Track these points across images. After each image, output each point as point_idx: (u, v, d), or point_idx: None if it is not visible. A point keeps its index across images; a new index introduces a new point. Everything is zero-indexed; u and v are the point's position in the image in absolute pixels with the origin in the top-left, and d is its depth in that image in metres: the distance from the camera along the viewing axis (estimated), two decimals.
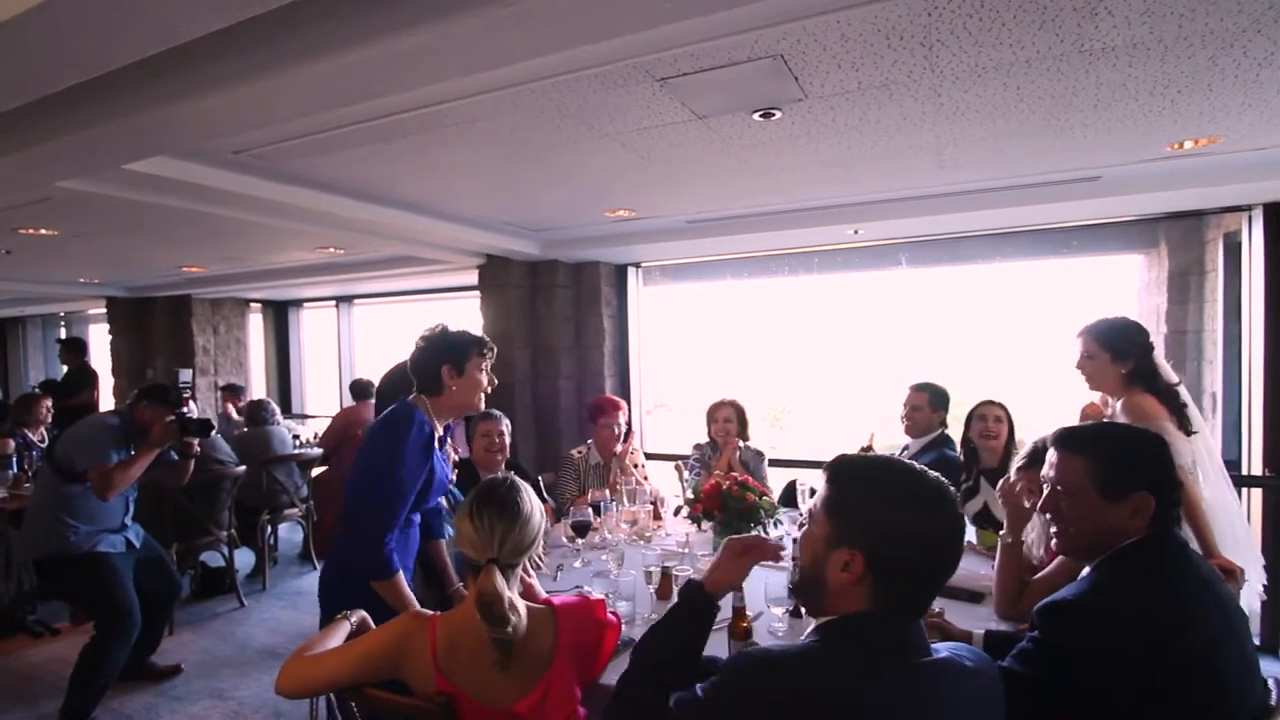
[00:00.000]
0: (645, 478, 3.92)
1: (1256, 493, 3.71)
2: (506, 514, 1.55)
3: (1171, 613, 1.32)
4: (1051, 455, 1.56)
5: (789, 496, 3.57)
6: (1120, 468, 1.44)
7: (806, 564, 1.21)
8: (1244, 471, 3.74)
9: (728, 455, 3.86)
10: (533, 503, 1.61)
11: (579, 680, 1.64)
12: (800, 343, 5.92)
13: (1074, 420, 3.14)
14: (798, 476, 3.73)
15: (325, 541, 5.73)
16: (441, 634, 1.55)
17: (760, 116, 2.31)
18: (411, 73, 1.72)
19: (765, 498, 2.88)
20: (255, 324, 8.53)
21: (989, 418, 3.26)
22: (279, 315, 8.72)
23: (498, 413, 3.46)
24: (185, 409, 3.26)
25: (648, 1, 1.42)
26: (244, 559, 5.21)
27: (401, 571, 2.03)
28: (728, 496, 2.82)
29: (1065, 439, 1.53)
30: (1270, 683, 1.44)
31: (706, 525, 2.97)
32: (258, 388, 8.16)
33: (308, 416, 8.53)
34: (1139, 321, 2.59)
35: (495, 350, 2.20)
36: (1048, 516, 1.58)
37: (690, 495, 3.03)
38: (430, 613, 1.61)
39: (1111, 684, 1.29)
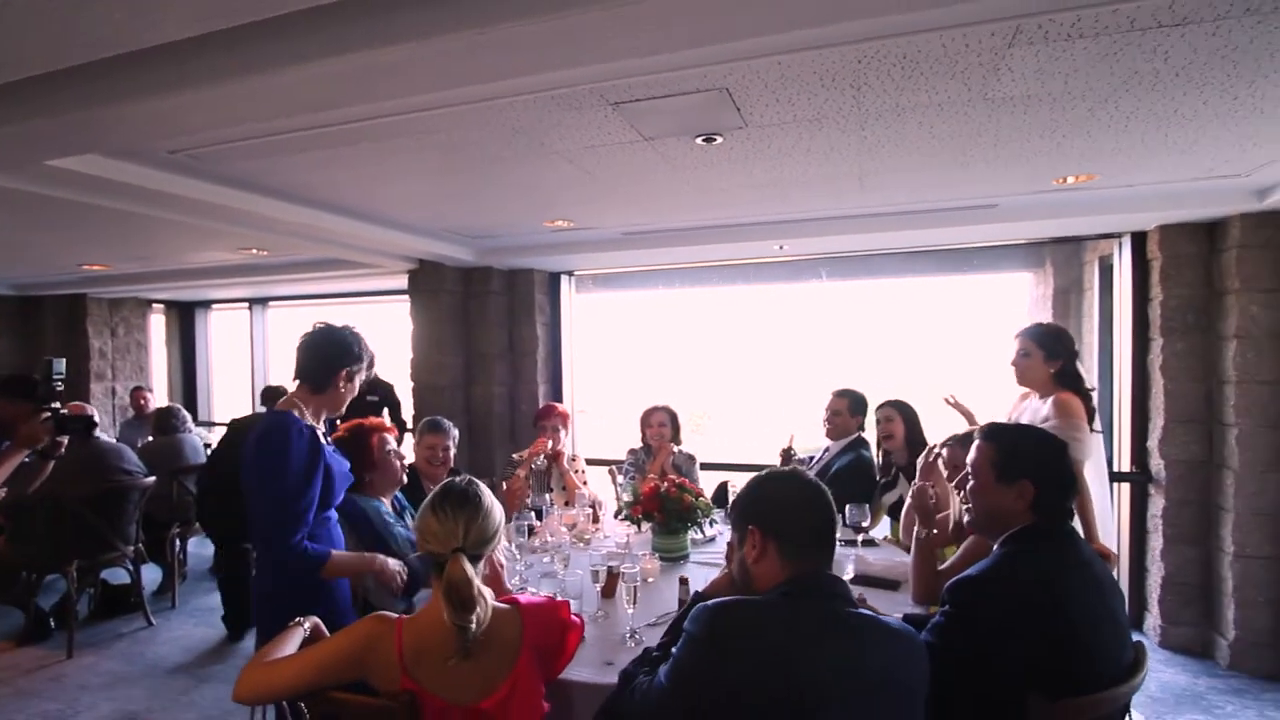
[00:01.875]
0: (585, 482, 4.01)
1: (1125, 487, 4.19)
2: (468, 506, 1.62)
3: (1052, 588, 1.55)
4: (974, 446, 1.82)
5: (720, 497, 3.74)
6: (1014, 457, 1.70)
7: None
8: (1114, 469, 4.21)
9: (661, 459, 3.99)
10: (492, 499, 1.69)
11: (542, 678, 1.71)
12: (725, 350, 6.17)
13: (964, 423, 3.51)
14: (727, 478, 3.92)
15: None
16: (409, 636, 1.59)
17: (703, 141, 2.46)
18: (382, 86, 1.76)
19: (701, 499, 3.03)
20: (158, 326, 8.03)
21: (881, 419, 3.61)
22: (184, 317, 8.24)
23: (446, 424, 3.43)
24: (56, 404, 2.93)
25: (611, 40, 1.53)
26: (150, 575, 4.92)
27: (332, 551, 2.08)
28: (666, 498, 2.95)
29: (985, 431, 1.82)
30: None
31: (646, 526, 3.09)
32: (160, 393, 7.66)
33: (216, 424, 8.09)
34: (1065, 329, 2.99)
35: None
36: (960, 494, 1.86)
37: (629, 498, 3.14)
38: (395, 615, 1.64)
39: (1007, 649, 1.50)
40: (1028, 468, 1.67)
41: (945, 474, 2.59)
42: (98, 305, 6.92)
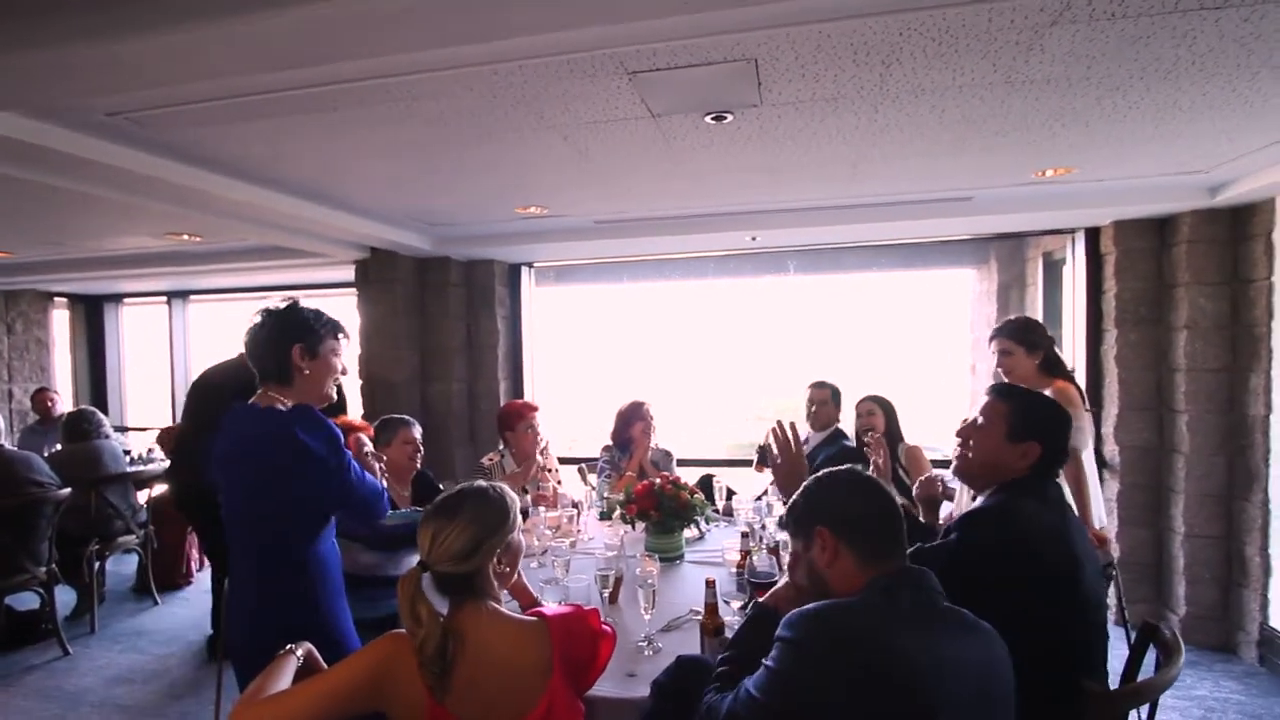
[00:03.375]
0: (559, 483, 3.83)
1: None
2: (441, 516, 1.48)
3: (1058, 529, 1.64)
4: (983, 397, 1.87)
5: (705, 491, 3.64)
6: (1029, 417, 1.76)
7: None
8: None
9: (640, 456, 3.87)
10: (485, 509, 1.52)
11: (576, 693, 1.56)
12: (689, 345, 6.09)
13: (926, 415, 3.58)
14: (711, 473, 3.83)
15: (167, 571, 5.01)
16: None
17: (712, 119, 2.35)
18: (375, 39, 1.56)
19: (696, 495, 2.92)
20: (61, 322, 7.27)
21: (862, 413, 3.63)
22: (91, 312, 7.48)
23: (410, 418, 3.22)
24: None
25: None
26: (63, 597, 4.40)
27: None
28: (662, 496, 2.83)
29: (998, 389, 1.88)
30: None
31: (638, 526, 2.95)
32: (65, 396, 6.94)
33: (130, 428, 7.41)
34: (1036, 319, 3.06)
35: (348, 337, 1.99)
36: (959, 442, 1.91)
37: (619, 496, 3.00)
38: None
39: (1016, 581, 1.54)
40: (1039, 430, 1.73)
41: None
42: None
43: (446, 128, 2.40)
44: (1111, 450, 4.15)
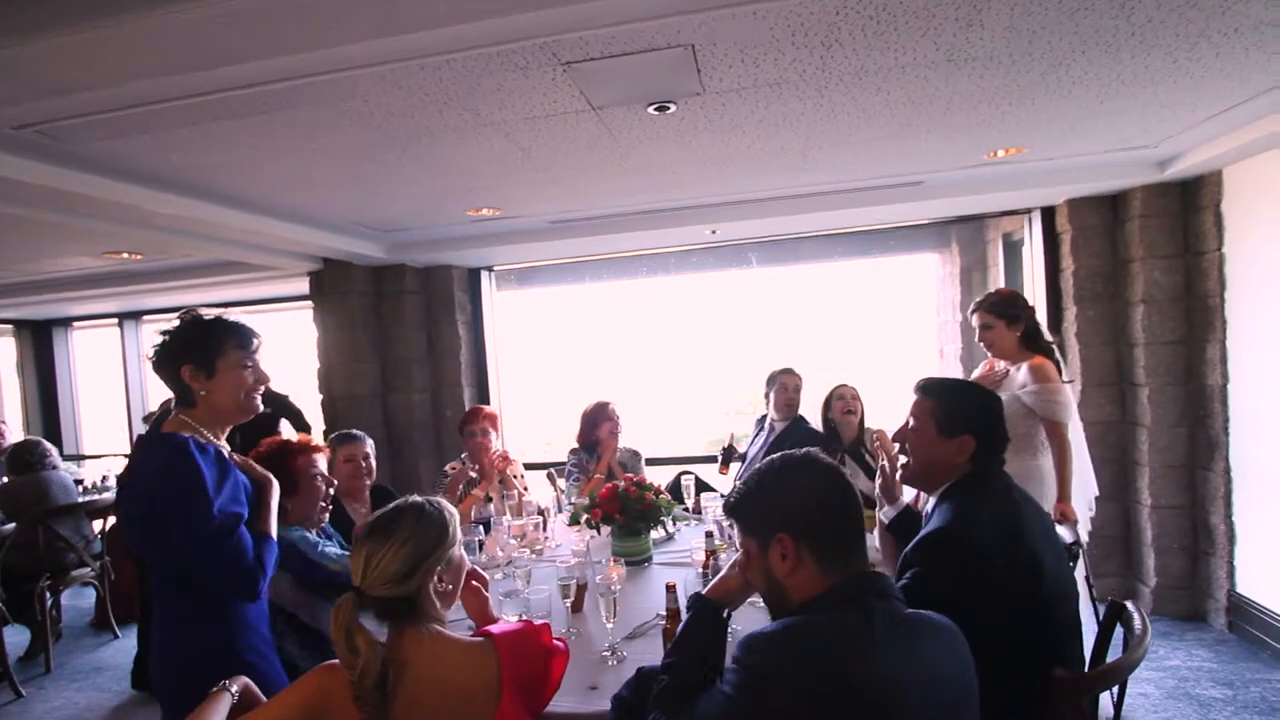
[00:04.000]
0: (526, 489, 3.74)
1: None
2: (375, 537, 1.39)
3: (1011, 529, 1.58)
4: (911, 398, 1.81)
5: (674, 491, 3.59)
6: (956, 411, 1.70)
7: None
8: None
9: (607, 458, 3.80)
10: (421, 526, 1.43)
11: (530, 713, 1.49)
12: (655, 342, 6.04)
13: (894, 401, 3.56)
14: (686, 470, 3.78)
15: (128, 603, 4.82)
16: None
17: (655, 110, 2.28)
18: (289, 33, 1.47)
19: (661, 496, 2.86)
20: (6, 349, 6.99)
21: (846, 396, 3.59)
22: (39, 338, 7.21)
23: (359, 433, 3.11)
24: None
25: None
26: (14, 638, 4.21)
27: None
28: (626, 498, 2.77)
29: (924, 385, 1.80)
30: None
31: (605, 530, 2.89)
32: (14, 426, 6.67)
33: (86, 456, 7.16)
34: (1017, 292, 3.11)
35: (260, 340, 1.79)
36: (897, 448, 1.88)
37: (585, 501, 2.93)
38: None
39: (981, 596, 1.47)
40: (969, 422, 1.69)
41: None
42: None
43: (380, 129, 2.31)
44: (1077, 426, 4.17)
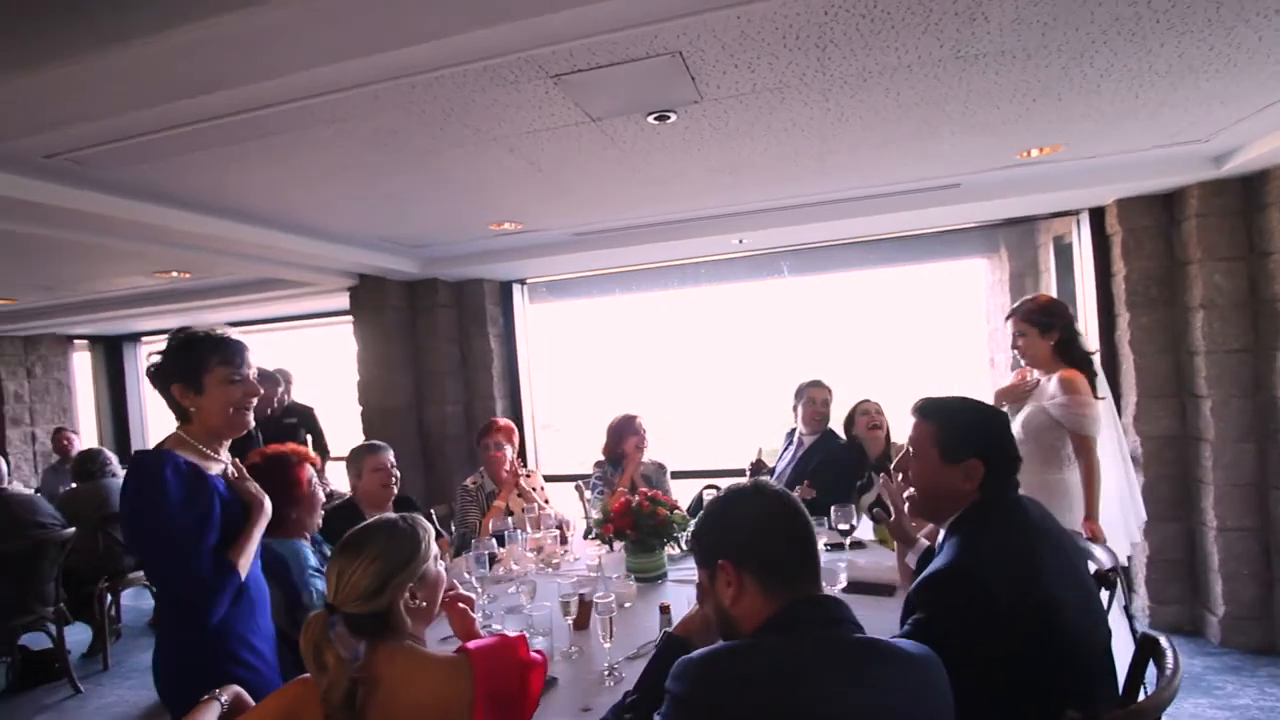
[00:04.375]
0: (547, 501, 3.74)
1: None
2: (346, 553, 1.39)
3: (1025, 563, 1.42)
4: (910, 421, 1.67)
5: (699, 506, 3.53)
6: (960, 434, 1.56)
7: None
8: None
9: (631, 471, 3.77)
10: (393, 542, 1.42)
11: None
12: (688, 354, 5.98)
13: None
14: (709, 484, 3.72)
15: None
16: None
17: (655, 119, 2.26)
18: (268, 57, 1.50)
19: (676, 510, 2.81)
20: (82, 364, 7.46)
21: (871, 411, 3.47)
22: (111, 353, 7.66)
23: (382, 443, 3.19)
24: None
25: None
26: (78, 636, 4.45)
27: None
28: (639, 513, 2.72)
29: (921, 407, 1.65)
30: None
31: (619, 545, 2.85)
32: (89, 435, 7.10)
33: None
34: (1056, 299, 2.96)
35: (244, 352, 1.79)
36: (900, 477, 1.75)
37: (598, 515, 2.90)
38: None
39: (988, 633, 1.35)
40: (975, 445, 1.55)
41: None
42: (11, 344, 6.38)
43: (384, 148, 2.36)
44: (1133, 441, 3.90)
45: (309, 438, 4.75)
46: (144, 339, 7.76)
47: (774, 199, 3.63)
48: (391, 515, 1.52)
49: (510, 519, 3.22)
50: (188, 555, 1.64)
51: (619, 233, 4.06)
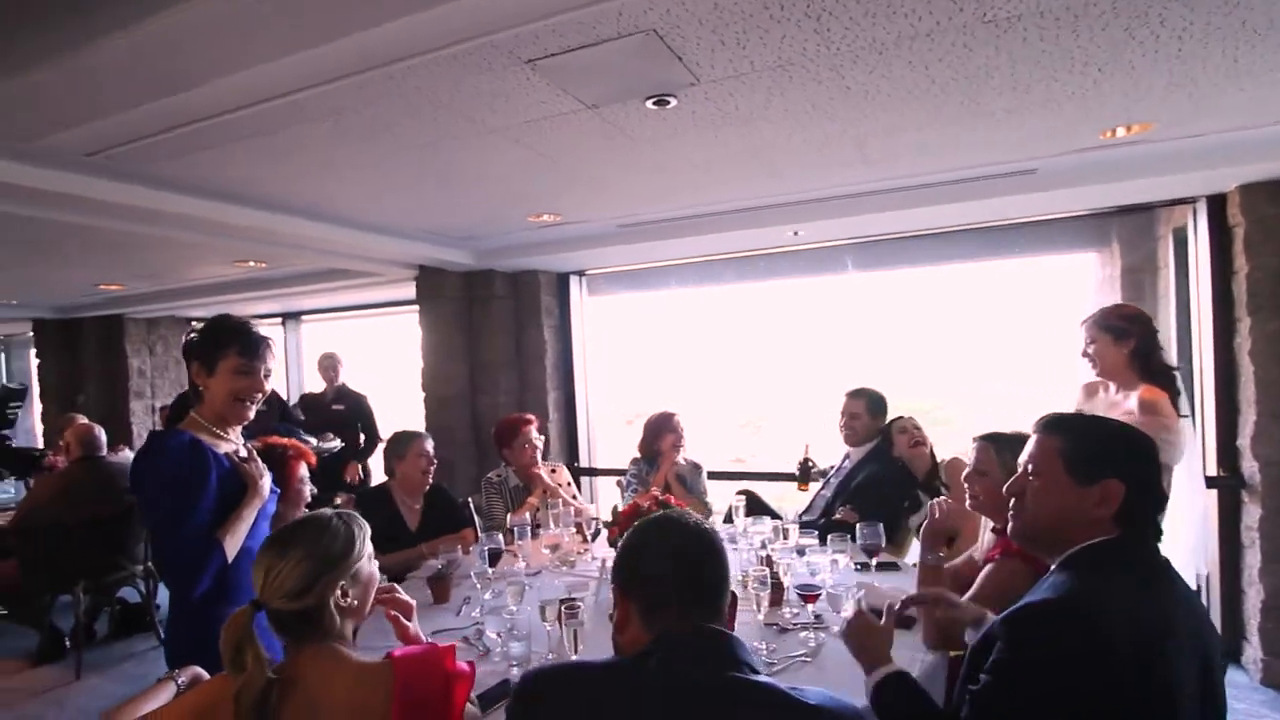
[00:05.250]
0: (574, 497, 3.70)
1: (1213, 494, 3.56)
2: (275, 548, 1.37)
3: (1156, 617, 1.17)
4: (1030, 441, 1.42)
5: (730, 517, 3.36)
6: (1094, 449, 1.31)
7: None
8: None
9: (665, 470, 3.65)
10: (325, 539, 1.39)
11: None
12: (749, 350, 5.74)
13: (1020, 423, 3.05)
14: (735, 491, 3.53)
15: None
16: None
17: (654, 104, 2.12)
18: (221, 51, 1.51)
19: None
20: None
21: (910, 428, 3.16)
22: None
23: (423, 431, 3.27)
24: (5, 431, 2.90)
25: None
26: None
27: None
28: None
29: (1047, 422, 1.40)
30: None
31: None
32: None
33: None
34: (1139, 309, 2.69)
35: (263, 349, 1.83)
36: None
37: (607, 518, 2.81)
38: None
39: (1094, 688, 1.11)
40: (1114, 463, 1.28)
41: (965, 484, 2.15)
42: (135, 325, 7.08)
43: (383, 142, 2.36)
44: (1250, 466, 3.36)
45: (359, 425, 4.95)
46: (254, 322, 8.40)
47: (821, 188, 3.38)
48: (326, 511, 1.50)
49: (528, 515, 3.19)
50: (178, 524, 1.70)
51: (662, 224, 3.93)
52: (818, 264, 4.61)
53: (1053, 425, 1.38)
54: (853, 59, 1.88)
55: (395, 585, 1.70)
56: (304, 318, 8.03)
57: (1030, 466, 1.38)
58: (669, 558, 1.16)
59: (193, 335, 1.86)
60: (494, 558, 2.68)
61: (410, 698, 1.36)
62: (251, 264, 4.61)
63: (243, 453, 1.91)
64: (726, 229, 3.90)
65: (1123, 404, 2.51)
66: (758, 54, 1.82)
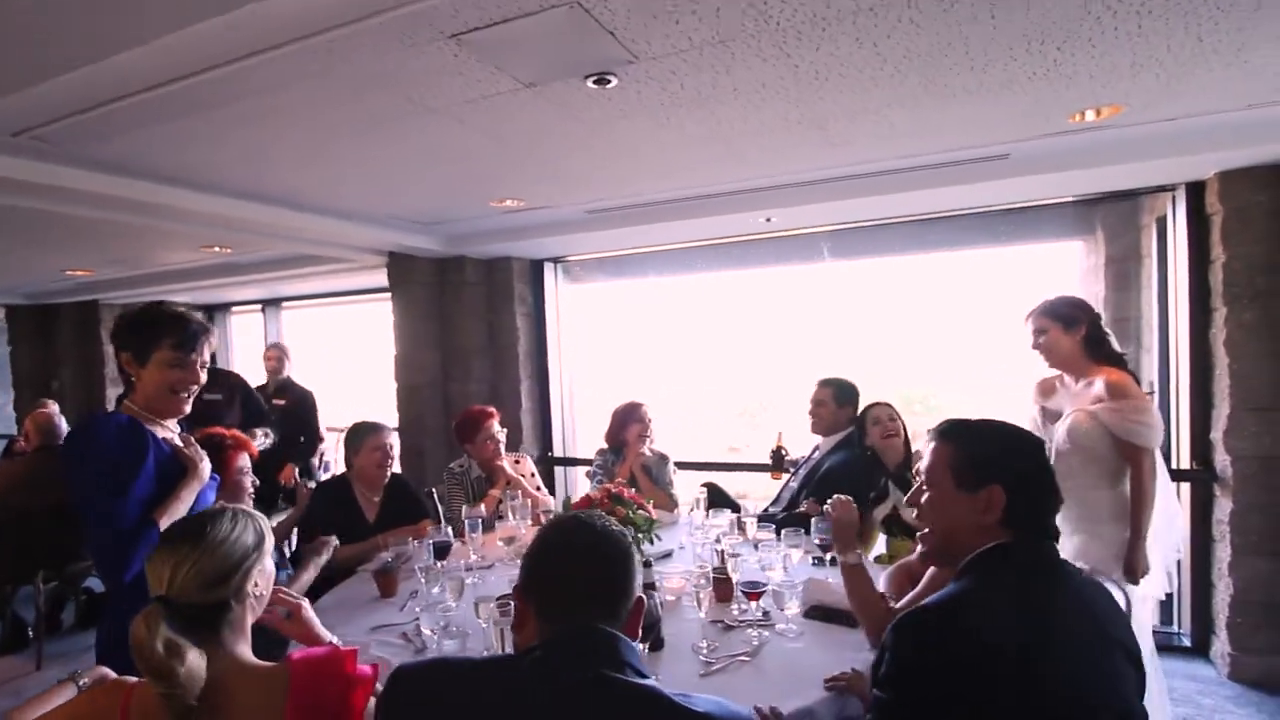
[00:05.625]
0: (538, 489, 3.64)
1: (1185, 487, 3.51)
2: (187, 541, 1.29)
3: (1039, 617, 1.16)
4: (926, 450, 1.41)
5: (716, 499, 3.31)
6: (978, 456, 1.31)
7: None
8: (1173, 465, 3.54)
9: (631, 461, 3.59)
10: (227, 534, 1.33)
11: None
12: (743, 339, 5.66)
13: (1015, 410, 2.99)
14: (700, 484, 3.47)
15: None
16: (137, 708, 1.26)
17: (594, 83, 2.03)
18: (111, 23, 1.42)
19: (641, 511, 2.60)
20: None
21: (884, 418, 3.07)
22: (205, 320, 8.26)
23: (381, 422, 3.19)
24: None
25: None
26: None
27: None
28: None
29: (940, 430, 1.39)
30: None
31: None
32: None
33: None
34: (1080, 298, 2.58)
35: (200, 341, 1.77)
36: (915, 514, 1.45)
37: (560, 510, 2.74)
38: (131, 681, 1.31)
39: (974, 691, 1.11)
40: (995, 468, 1.28)
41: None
42: (111, 311, 6.98)
43: (319, 123, 2.27)
44: (1223, 460, 3.30)
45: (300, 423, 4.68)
46: (234, 309, 8.31)
47: (790, 174, 3.29)
48: (225, 505, 1.44)
49: (483, 506, 3.12)
50: (111, 503, 1.62)
51: (633, 210, 3.84)
52: (792, 252, 4.52)
53: (945, 433, 1.37)
54: (796, 35, 1.79)
55: (298, 597, 1.64)
56: (285, 304, 7.93)
57: (924, 478, 1.38)
58: (567, 559, 1.15)
59: (123, 322, 1.78)
60: (442, 551, 2.62)
61: (305, 701, 1.30)
62: (218, 249, 4.52)
63: (177, 440, 1.84)
64: (697, 215, 3.82)
65: (1088, 392, 2.44)
66: (694, 29, 1.74)
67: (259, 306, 7.94)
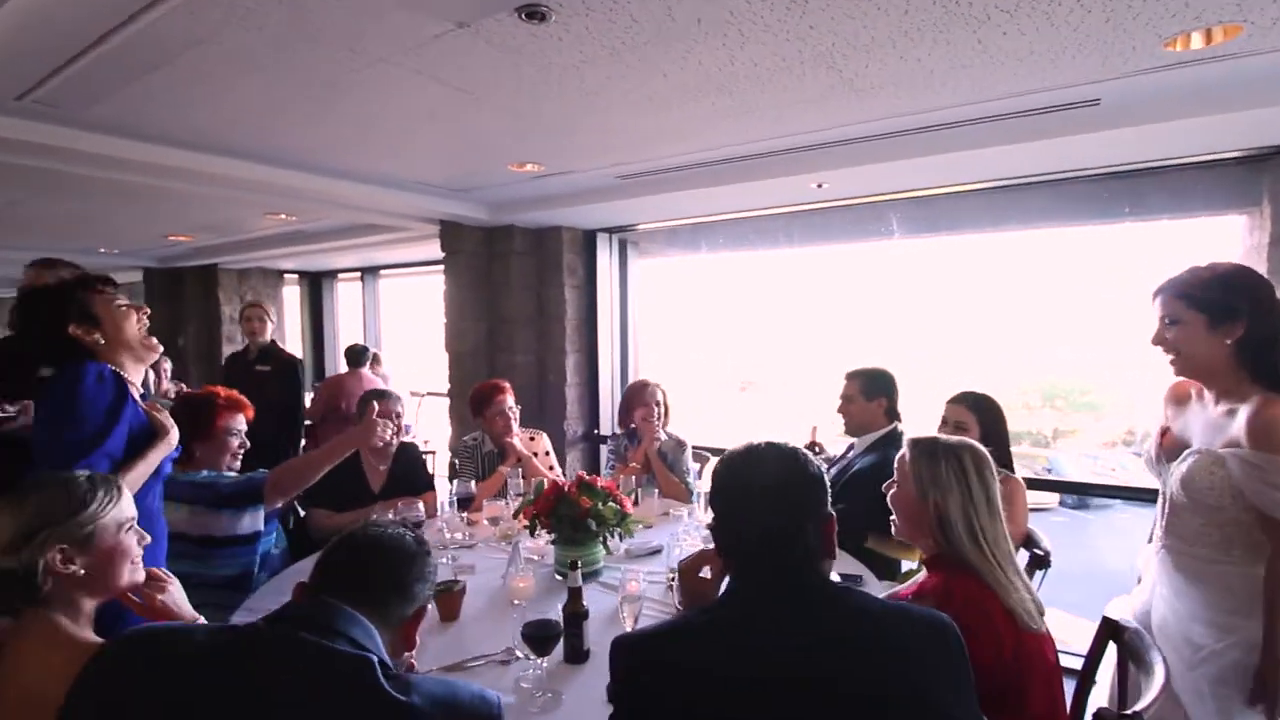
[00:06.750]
0: (551, 468, 3.49)
1: None
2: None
3: (750, 662, 1.06)
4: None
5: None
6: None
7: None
8: None
9: (645, 446, 3.35)
10: (46, 494, 1.29)
11: None
12: (792, 319, 5.21)
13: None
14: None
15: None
16: None
17: (525, 18, 1.77)
18: None
19: (609, 504, 2.36)
20: (292, 295, 8.73)
21: (949, 419, 2.59)
22: (314, 287, 8.85)
23: (392, 390, 3.19)
24: None
25: None
26: None
27: None
28: (563, 501, 2.34)
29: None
30: None
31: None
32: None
33: None
34: (1249, 270, 1.68)
35: (110, 282, 1.81)
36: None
37: (530, 496, 2.56)
38: None
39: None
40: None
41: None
42: (227, 275, 7.62)
43: (270, 78, 2.17)
44: None
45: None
46: (339, 276, 8.83)
47: (824, 131, 2.85)
48: (67, 473, 1.38)
49: (473, 484, 3.01)
50: (84, 451, 1.64)
51: (665, 176, 3.53)
52: (855, 226, 4.03)
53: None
54: None
55: (169, 575, 1.56)
56: (382, 273, 8.30)
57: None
58: (348, 549, 1.22)
59: (40, 318, 1.77)
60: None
61: None
62: (284, 217, 4.71)
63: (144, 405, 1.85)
64: (738, 179, 3.45)
65: (1227, 424, 1.63)
66: None
67: (358, 275, 8.37)
